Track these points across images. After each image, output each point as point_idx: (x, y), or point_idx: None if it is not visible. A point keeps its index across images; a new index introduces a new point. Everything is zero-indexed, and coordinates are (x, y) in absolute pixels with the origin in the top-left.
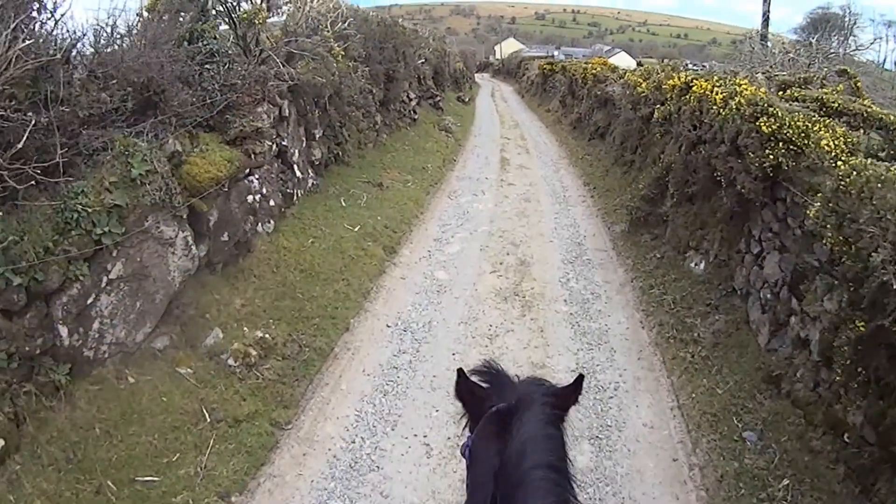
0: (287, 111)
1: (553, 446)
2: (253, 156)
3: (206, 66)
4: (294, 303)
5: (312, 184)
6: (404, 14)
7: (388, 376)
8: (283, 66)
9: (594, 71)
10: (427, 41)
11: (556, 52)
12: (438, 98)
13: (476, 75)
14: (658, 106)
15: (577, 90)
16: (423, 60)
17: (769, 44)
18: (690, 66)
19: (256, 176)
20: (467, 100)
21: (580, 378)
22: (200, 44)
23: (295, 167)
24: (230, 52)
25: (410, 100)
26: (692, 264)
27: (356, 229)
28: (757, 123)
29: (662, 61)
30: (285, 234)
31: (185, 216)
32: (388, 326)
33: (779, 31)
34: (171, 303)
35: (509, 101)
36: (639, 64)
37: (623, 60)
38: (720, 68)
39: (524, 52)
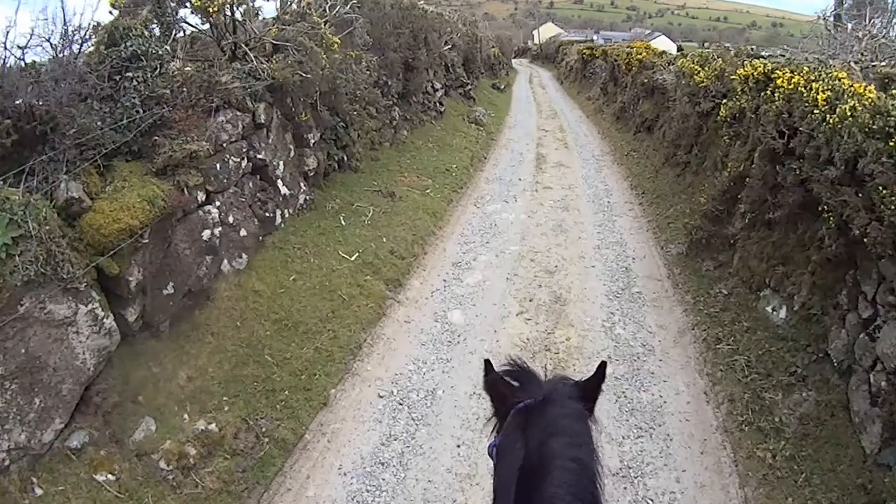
0: (264, 117)
1: (578, 440)
2: (186, 190)
3: (128, 73)
4: (259, 369)
5: (305, 200)
6: (440, 0)
7: (370, 478)
8: (259, 61)
9: (639, 56)
10: (455, 25)
11: (594, 37)
12: (469, 87)
13: (514, 61)
14: (724, 101)
15: (619, 77)
16: (451, 46)
17: (849, 26)
18: (757, 51)
19: (217, 203)
20: (503, 87)
21: (602, 366)
22: (123, 45)
23: (279, 183)
24: (159, 51)
25: (435, 90)
26: (769, 308)
27: (353, 258)
28: (893, 143)
29: (703, 45)
30: (260, 272)
31: (89, 283)
32: (380, 396)
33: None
34: (87, 390)
35: (548, 87)
36: (679, 48)
37: (663, 44)
38: (791, 54)
39: (562, 36)
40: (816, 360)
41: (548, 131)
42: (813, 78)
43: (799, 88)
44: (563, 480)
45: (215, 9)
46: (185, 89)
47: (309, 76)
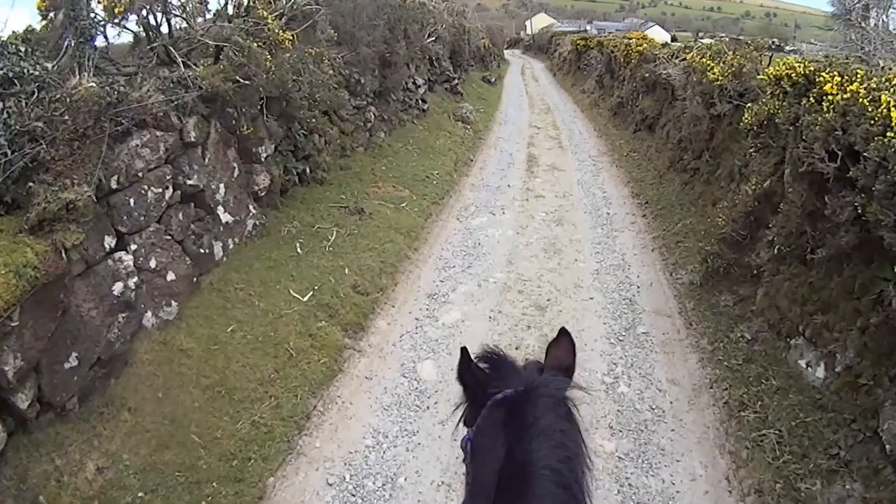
0: (196, 133)
1: (564, 440)
2: (64, 253)
3: None
4: (183, 454)
5: (255, 225)
6: None
7: None
8: (190, 67)
9: (639, 48)
10: (440, 16)
11: (588, 27)
12: (456, 81)
13: (506, 52)
14: (745, 103)
15: (617, 70)
16: (435, 38)
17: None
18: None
19: (133, 247)
20: (493, 80)
21: (562, 331)
22: None
23: (219, 210)
24: (37, 72)
25: (418, 86)
26: (803, 363)
27: (307, 298)
28: None
29: (698, 35)
30: (192, 323)
31: None
32: (329, 484)
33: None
34: None
35: (540, 79)
36: (673, 38)
37: (657, 34)
38: (813, 51)
39: (555, 26)
40: (863, 440)
41: (540, 128)
42: (876, 86)
43: (860, 100)
44: (548, 491)
45: (121, 8)
46: (68, 117)
47: (250, 81)
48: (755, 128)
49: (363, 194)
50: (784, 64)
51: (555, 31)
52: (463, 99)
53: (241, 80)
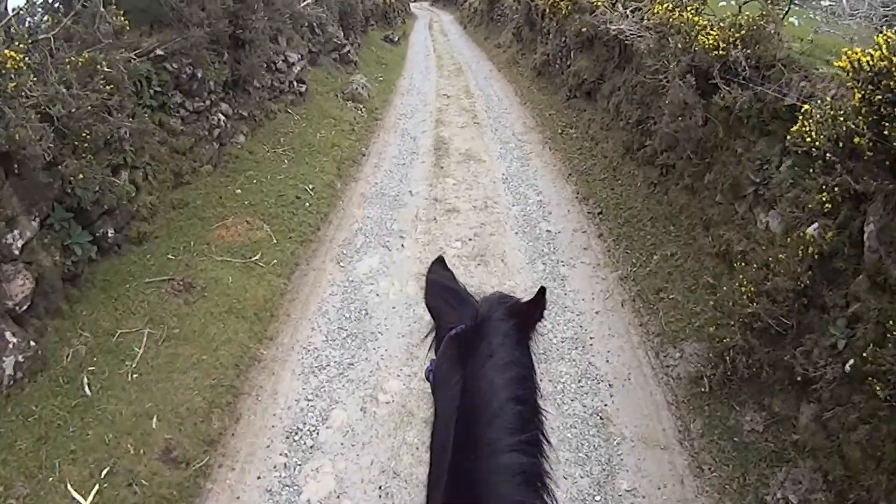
0: None
1: (518, 372)
2: None
3: None
4: None
5: (20, 363)
6: None
7: None
8: None
9: None
10: None
11: None
12: (348, 48)
13: (413, 5)
14: (804, 106)
15: (538, 21)
16: (307, 1)
17: None
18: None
19: None
20: (397, 39)
21: (542, 290)
22: None
23: None
24: None
25: (291, 64)
26: None
27: (91, 498)
28: None
29: None
30: None
31: None
32: None
33: None
34: None
35: (450, 34)
36: None
37: None
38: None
39: None
40: None
41: (450, 97)
42: None
43: None
44: (506, 424)
45: None
46: None
47: None
48: (811, 147)
49: (201, 247)
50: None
51: None
52: (356, 69)
53: None
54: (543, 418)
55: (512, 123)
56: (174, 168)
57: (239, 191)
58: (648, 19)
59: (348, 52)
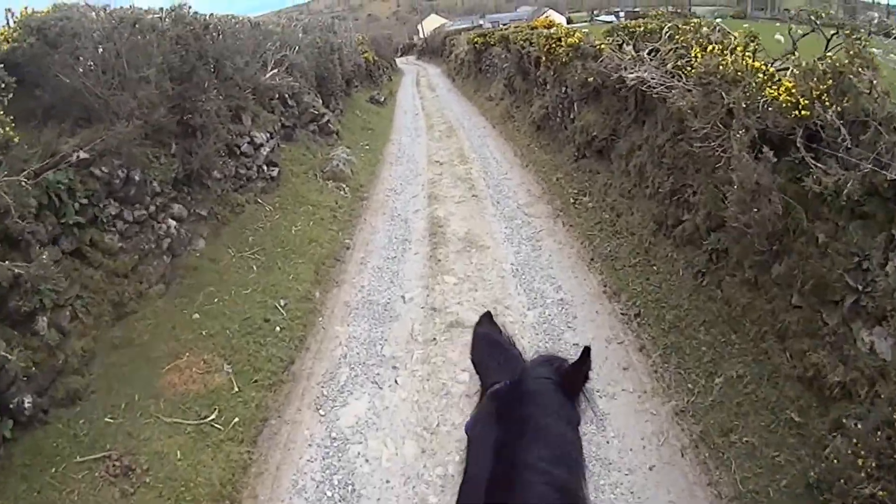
0: None
1: (555, 449)
2: None
3: None
4: None
5: None
6: (323, 8)
7: None
8: None
9: (571, 41)
10: (291, 36)
11: (481, 22)
12: (327, 117)
13: (399, 60)
14: None
15: (532, 70)
16: (285, 68)
17: None
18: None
19: None
20: (383, 99)
21: (587, 350)
22: None
23: None
24: None
25: (259, 146)
26: None
27: None
28: None
29: (593, 13)
30: None
31: None
32: None
33: None
34: None
35: (438, 88)
36: (568, 21)
37: (554, 19)
38: None
39: (447, 26)
40: None
41: (443, 163)
42: None
43: None
44: (538, 492)
45: None
46: None
47: None
48: None
49: (147, 402)
50: None
51: (448, 31)
52: (339, 140)
53: None
54: (583, 481)
55: (515, 192)
56: (113, 297)
57: (197, 315)
58: (681, 66)
59: (328, 121)
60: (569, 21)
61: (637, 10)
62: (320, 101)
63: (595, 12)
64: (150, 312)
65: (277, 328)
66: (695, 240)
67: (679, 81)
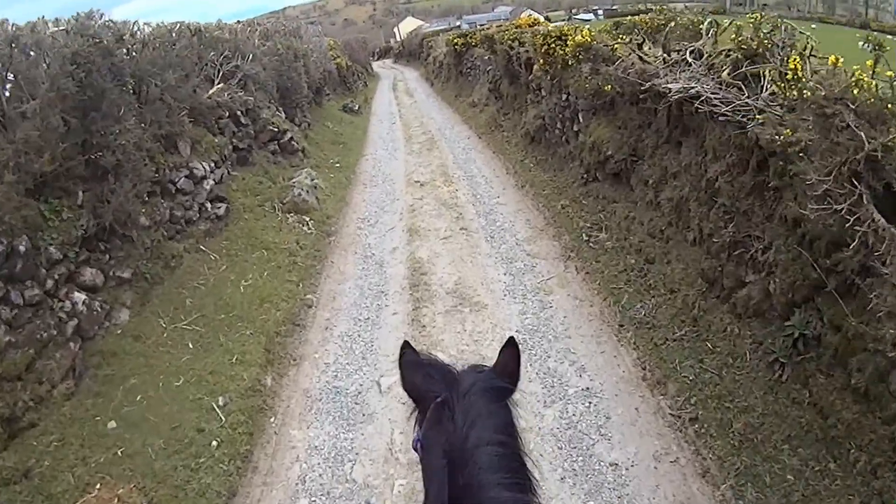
0: None
1: (500, 424)
2: None
3: None
4: None
5: None
6: (298, 14)
7: None
8: None
9: (579, 40)
10: (244, 44)
11: (458, 23)
12: (290, 135)
13: (376, 64)
14: None
15: (522, 74)
16: (238, 81)
17: None
18: None
19: None
20: (357, 108)
21: (511, 342)
22: None
23: None
24: None
25: (200, 179)
26: None
27: None
28: None
29: (571, 11)
30: None
31: None
32: None
33: None
34: None
35: (416, 93)
36: (547, 20)
37: (539, 18)
38: None
39: (424, 28)
40: None
41: (425, 184)
42: None
43: None
44: (491, 464)
45: None
46: None
47: None
48: None
49: None
50: None
51: (425, 33)
52: (304, 159)
53: None
54: (526, 459)
55: (512, 222)
56: (2, 410)
57: (113, 424)
58: (777, 82)
59: (291, 139)
60: (547, 20)
61: (615, 7)
62: (282, 115)
63: (573, 11)
64: (54, 424)
65: (214, 443)
66: (766, 312)
67: (752, 99)
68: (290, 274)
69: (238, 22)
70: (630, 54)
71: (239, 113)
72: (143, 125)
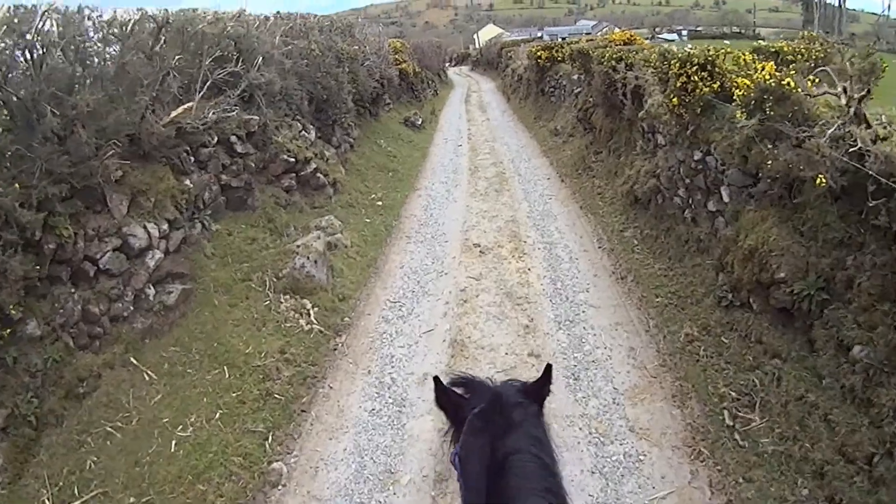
0: None
1: (535, 435)
2: None
3: None
4: None
5: None
6: (380, 13)
7: None
8: None
9: (760, 78)
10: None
11: (539, 33)
12: (313, 166)
13: (452, 70)
14: None
15: (627, 106)
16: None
17: None
18: None
19: None
20: (420, 122)
21: (548, 367)
22: None
23: None
24: None
25: (140, 252)
26: None
27: None
28: None
29: (654, 30)
30: None
31: None
32: None
33: None
34: None
35: (490, 108)
36: None
37: (636, 34)
38: None
39: (504, 36)
40: None
41: (485, 252)
42: None
43: None
44: (527, 473)
45: None
46: None
47: None
48: None
49: None
50: None
51: (504, 42)
52: (332, 196)
53: None
54: (560, 471)
55: (608, 353)
56: None
57: None
58: None
59: (315, 170)
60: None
61: (699, 28)
62: (311, 135)
63: (657, 29)
64: None
65: None
66: None
67: None
68: (257, 416)
69: (261, 15)
70: (845, 115)
71: (234, 139)
72: (33, 173)
